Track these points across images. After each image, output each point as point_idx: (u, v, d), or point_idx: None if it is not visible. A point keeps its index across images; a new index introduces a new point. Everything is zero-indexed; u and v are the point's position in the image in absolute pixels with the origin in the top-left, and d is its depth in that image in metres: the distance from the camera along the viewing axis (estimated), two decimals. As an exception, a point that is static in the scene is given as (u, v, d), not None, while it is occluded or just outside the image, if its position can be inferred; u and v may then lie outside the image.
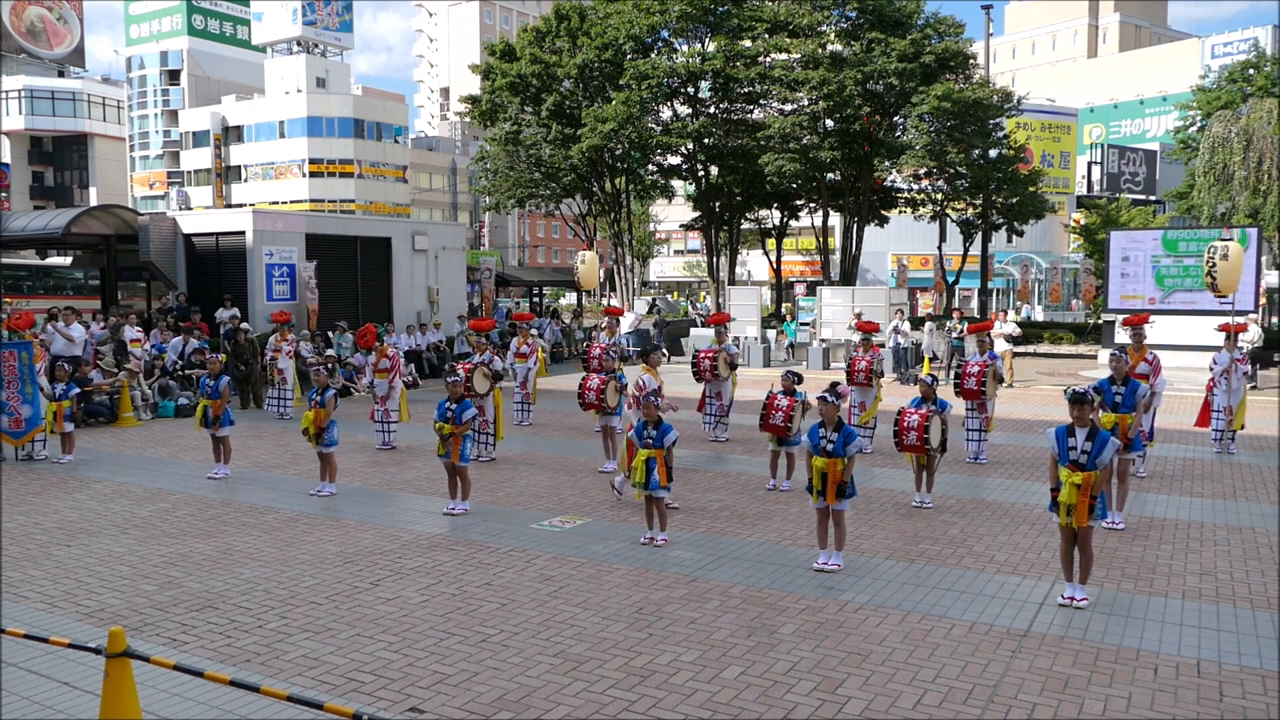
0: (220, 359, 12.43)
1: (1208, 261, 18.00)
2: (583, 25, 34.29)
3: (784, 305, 37.54)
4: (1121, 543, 8.66)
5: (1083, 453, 6.86)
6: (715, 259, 37.08)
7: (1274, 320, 32.49)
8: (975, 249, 35.82)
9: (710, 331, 16.65)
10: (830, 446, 7.69)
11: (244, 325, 18.92)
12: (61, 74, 69.54)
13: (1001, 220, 33.47)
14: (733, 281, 36.93)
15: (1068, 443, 6.94)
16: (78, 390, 14.19)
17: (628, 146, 33.22)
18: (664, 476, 8.39)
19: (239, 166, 69.51)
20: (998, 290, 48.44)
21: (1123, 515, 9.24)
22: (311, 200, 65.11)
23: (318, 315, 22.35)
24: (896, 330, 23.81)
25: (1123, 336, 23.47)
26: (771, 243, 39.76)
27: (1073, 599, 6.94)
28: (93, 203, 56.63)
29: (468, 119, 41.23)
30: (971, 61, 31.77)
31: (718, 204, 36.21)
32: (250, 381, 18.16)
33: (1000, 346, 19.46)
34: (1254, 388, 20.25)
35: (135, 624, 6.65)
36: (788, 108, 31.93)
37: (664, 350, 14.11)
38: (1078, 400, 6.95)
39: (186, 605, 7.07)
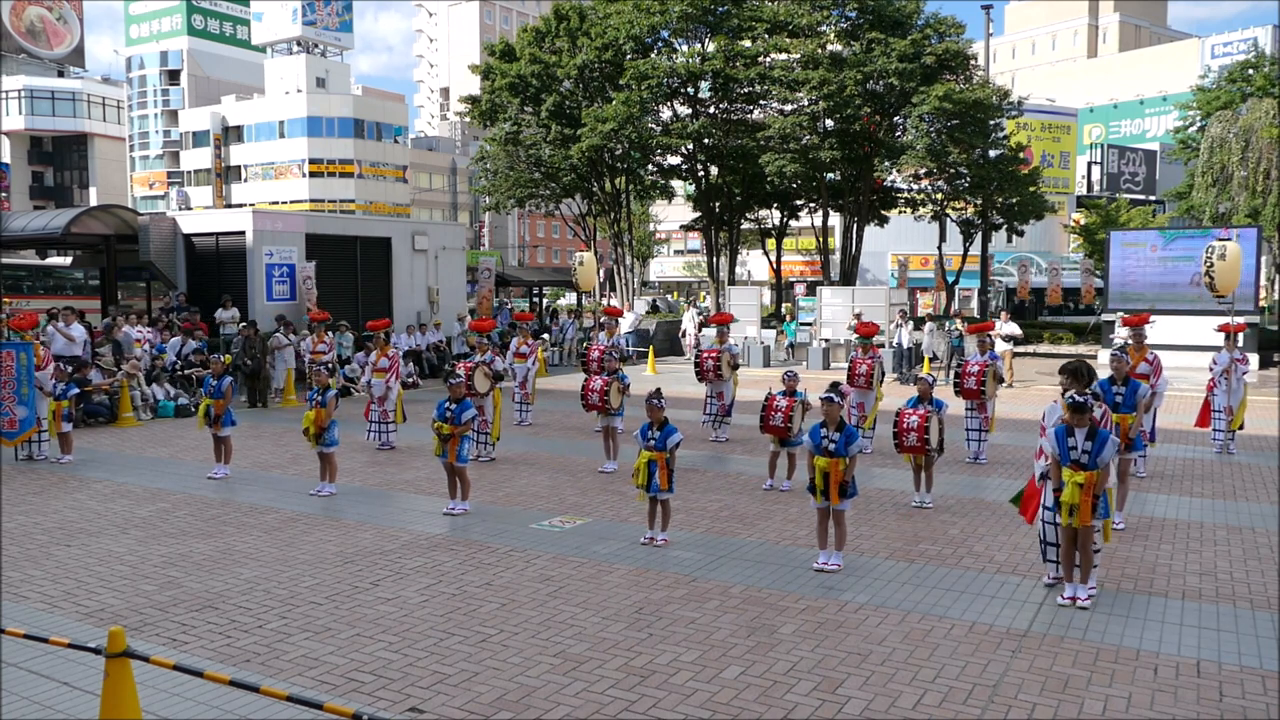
0: (223, 359, 12.44)
1: (1206, 261, 18.01)
2: (582, 26, 34.28)
3: (784, 305, 37.54)
4: (1121, 543, 8.66)
5: (1083, 452, 6.85)
6: (715, 259, 37.08)
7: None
8: (975, 249, 35.82)
9: (711, 331, 16.63)
10: (832, 446, 7.69)
11: (250, 321, 19.02)
12: (61, 74, 69.54)
13: (1001, 220, 33.47)
14: (733, 281, 36.92)
15: (1068, 443, 6.93)
16: (76, 390, 14.19)
17: (628, 146, 33.20)
18: (664, 480, 8.38)
19: (239, 166, 69.53)
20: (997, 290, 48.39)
21: (1123, 515, 9.24)
22: (311, 200, 65.13)
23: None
24: (900, 326, 23.93)
25: (1124, 335, 23.54)
26: (771, 243, 39.75)
27: (1074, 599, 6.94)
28: (93, 203, 56.63)
29: (468, 119, 41.21)
30: (972, 62, 31.76)
31: (718, 204, 36.20)
32: (259, 377, 18.20)
33: (1000, 347, 19.47)
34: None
35: (135, 624, 6.65)
36: (788, 108, 31.91)
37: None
38: (1076, 409, 6.92)
39: (186, 605, 7.07)
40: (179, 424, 16.31)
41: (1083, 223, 45.03)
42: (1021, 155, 34.32)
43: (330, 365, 15.62)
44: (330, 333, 18.62)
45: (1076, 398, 7.01)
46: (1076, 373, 7.64)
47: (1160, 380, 10.99)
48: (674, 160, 36.44)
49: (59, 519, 9.75)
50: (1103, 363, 24.56)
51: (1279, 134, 29.41)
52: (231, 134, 69.59)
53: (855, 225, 34.24)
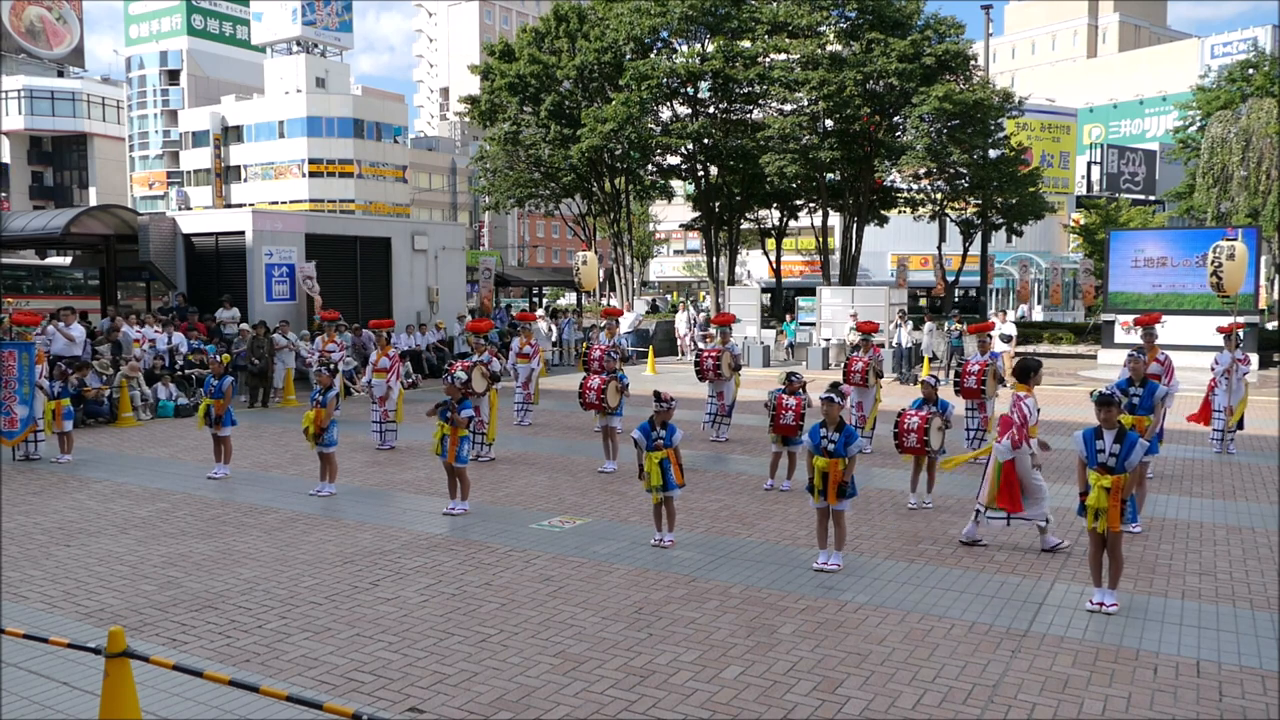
0: (223, 359, 12.43)
1: (1213, 262, 18.01)
2: (582, 27, 34.31)
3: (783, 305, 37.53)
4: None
5: (1111, 455, 6.74)
6: (715, 259, 37.09)
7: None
8: (975, 249, 35.82)
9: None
10: (831, 446, 7.69)
11: (260, 321, 19.10)
12: (61, 74, 69.54)
13: (1001, 220, 33.49)
14: (732, 281, 36.92)
15: (1095, 445, 6.82)
16: (76, 390, 14.19)
17: (627, 147, 33.22)
18: (679, 474, 8.44)
19: (239, 166, 69.51)
20: (998, 290, 48.43)
21: (1140, 518, 9.15)
22: (311, 200, 65.11)
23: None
24: (899, 326, 23.98)
25: (1123, 336, 23.54)
26: (771, 243, 39.77)
27: (1102, 604, 6.84)
28: (92, 203, 56.63)
29: (467, 119, 41.24)
30: (972, 62, 31.77)
31: (717, 204, 36.21)
32: (264, 376, 18.21)
33: (999, 347, 19.48)
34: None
35: (135, 624, 6.64)
36: (787, 108, 31.93)
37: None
38: (1104, 402, 6.84)
39: (186, 605, 7.07)
40: (179, 424, 16.31)
41: (1083, 223, 45.05)
42: (1022, 157, 34.33)
43: (332, 366, 15.59)
44: (339, 333, 18.60)
45: (1103, 392, 6.98)
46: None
47: (1173, 382, 10.95)
48: (674, 160, 36.46)
49: (59, 519, 9.75)
50: (1104, 363, 24.58)
51: (1279, 134, 29.41)
52: (231, 134, 69.55)
53: (855, 225, 34.25)
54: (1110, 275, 25.87)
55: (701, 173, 35.38)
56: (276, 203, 63.30)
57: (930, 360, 23.19)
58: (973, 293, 40.47)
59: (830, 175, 32.94)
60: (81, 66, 71.30)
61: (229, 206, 62.30)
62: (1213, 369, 13.29)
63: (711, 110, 34.09)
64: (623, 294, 36.67)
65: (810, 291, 31.23)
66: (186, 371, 18.64)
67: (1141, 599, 7.12)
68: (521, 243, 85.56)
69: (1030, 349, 28.85)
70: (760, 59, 31.89)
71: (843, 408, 8.01)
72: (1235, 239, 19.10)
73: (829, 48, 30.97)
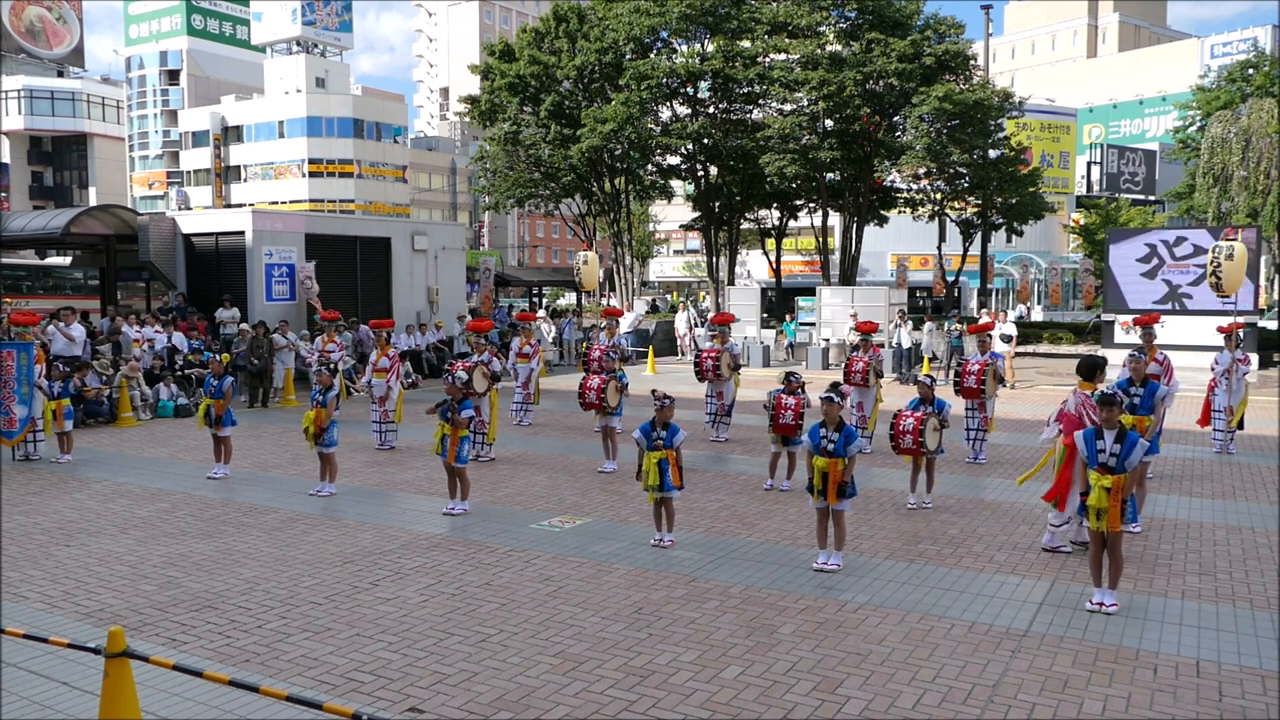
0: (223, 359, 12.43)
1: (1212, 262, 18.00)
2: (581, 27, 34.31)
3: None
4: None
5: (1111, 455, 6.74)
6: (715, 259, 37.10)
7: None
8: (975, 249, 35.81)
9: (701, 331, 16.59)
10: (831, 446, 7.69)
11: (259, 322, 19.11)
12: (61, 74, 69.55)
13: (1001, 220, 33.49)
14: (732, 281, 36.92)
15: (1096, 445, 6.83)
16: (76, 391, 14.19)
17: (627, 147, 33.23)
18: (677, 477, 8.42)
19: (238, 166, 69.51)
20: (997, 290, 48.44)
21: (1141, 519, 9.15)
22: (311, 200, 65.10)
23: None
24: (899, 326, 23.99)
25: (1123, 336, 23.53)
26: (771, 243, 39.77)
27: (1102, 604, 6.84)
28: (92, 203, 56.62)
29: (467, 119, 41.26)
30: (971, 62, 31.77)
31: (717, 204, 36.21)
32: (264, 376, 18.23)
33: (999, 347, 19.47)
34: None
35: (135, 624, 6.65)
36: (787, 108, 31.94)
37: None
38: (1105, 402, 6.85)
39: (186, 605, 7.07)
40: (179, 424, 16.31)
41: (1082, 223, 45.08)
42: (1022, 157, 34.33)
43: (332, 366, 15.60)
44: (339, 333, 18.64)
45: (1104, 391, 6.99)
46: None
47: (1173, 381, 10.94)
48: (674, 160, 36.45)
49: (59, 519, 9.75)
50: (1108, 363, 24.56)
51: (1279, 133, 29.41)
52: (231, 134, 69.54)
53: (855, 225, 34.26)
54: (1110, 275, 25.83)
55: (701, 173, 35.38)
56: (276, 203, 63.29)
57: (930, 360, 23.19)
58: (955, 291, 40.49)
59: (830, 175, 32.94)
60: (81, 66, 71.30)
61: (229, 206, 62.28)
62: (1213, 369, 13.29)
63: (711, 110, 34.09)
64: (623, 294, 36.67)
65: (810, 291, 31.21)
66: (186, 371, 18.65)
67: (1141, 599, 7.13)
68: (521, 243, 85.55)
69: (1030, 349, 28.88)
70: (760, 59, 31.90)
71: (842, 408, 8.00)
72: (1235, 239, 19.08)
73: (829, 48, 30.97)
